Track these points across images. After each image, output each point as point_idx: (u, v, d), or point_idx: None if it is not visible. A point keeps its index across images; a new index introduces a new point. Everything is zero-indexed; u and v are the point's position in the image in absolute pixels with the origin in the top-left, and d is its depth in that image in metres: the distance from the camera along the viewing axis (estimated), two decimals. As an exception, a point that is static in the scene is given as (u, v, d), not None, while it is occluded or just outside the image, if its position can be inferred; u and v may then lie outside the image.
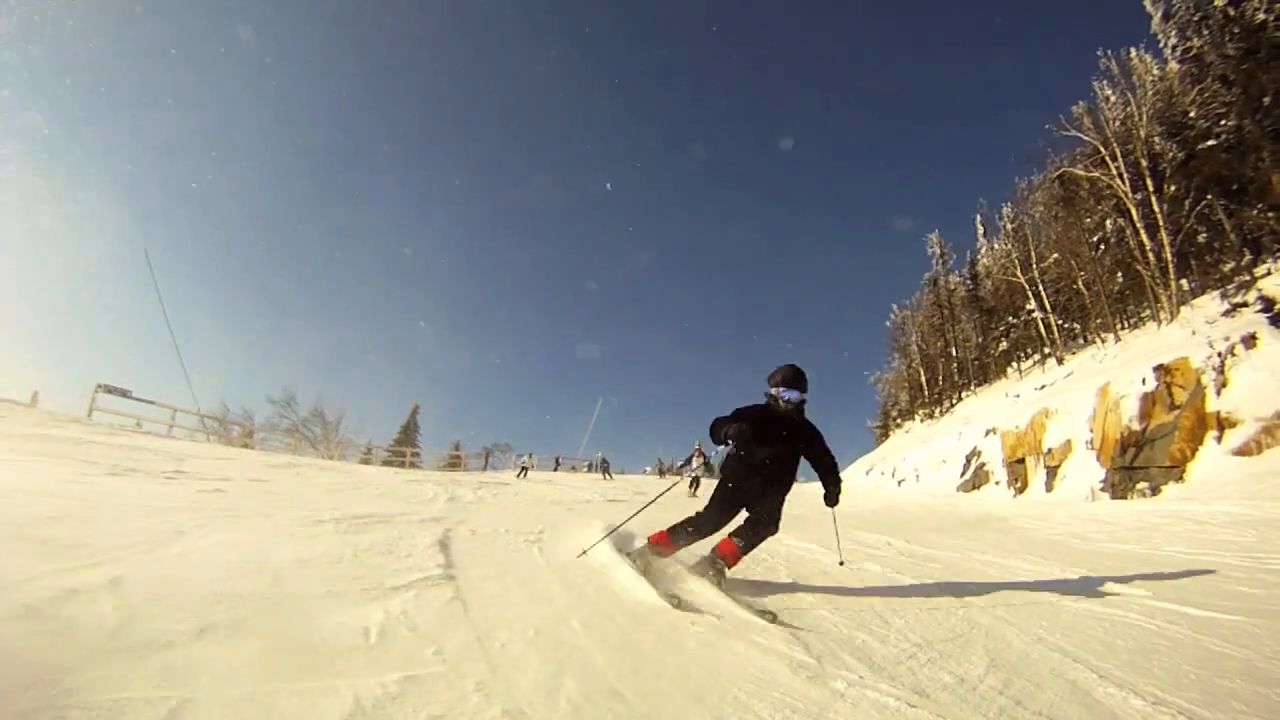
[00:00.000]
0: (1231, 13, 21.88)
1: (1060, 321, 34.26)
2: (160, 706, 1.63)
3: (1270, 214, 21.15)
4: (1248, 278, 20.01)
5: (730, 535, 3.78)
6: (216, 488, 5.57)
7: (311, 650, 2.15)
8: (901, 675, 2.43)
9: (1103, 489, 16.72)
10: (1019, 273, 36.38)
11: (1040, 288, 34.62)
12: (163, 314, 20.28)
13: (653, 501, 4.74)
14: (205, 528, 3.81)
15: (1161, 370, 16.55)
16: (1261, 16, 20.49)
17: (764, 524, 3.76)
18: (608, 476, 23.62)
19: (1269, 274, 19.09)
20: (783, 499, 3.85)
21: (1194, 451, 14.70)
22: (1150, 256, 25.79)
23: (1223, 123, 23.13)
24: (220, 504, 4.77)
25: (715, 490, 3.87)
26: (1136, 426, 16.38)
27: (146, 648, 1.98)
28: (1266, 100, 19.86)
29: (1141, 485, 15.48)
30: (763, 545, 3.92)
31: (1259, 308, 16.83)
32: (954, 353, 44.67)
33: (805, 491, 6.00)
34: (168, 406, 18.89)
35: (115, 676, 1.77)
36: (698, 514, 3.83)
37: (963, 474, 24.78)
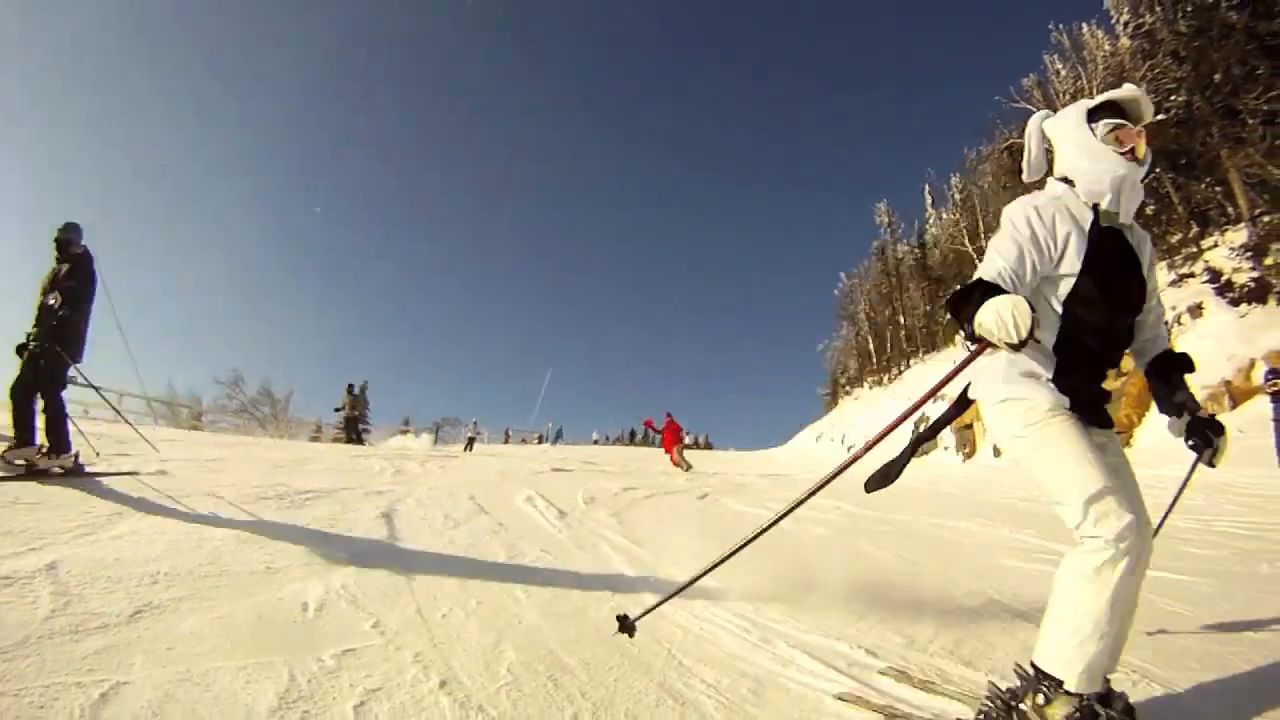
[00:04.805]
0: (1184, -10, 22.24)
1: (1010, 291, 35.02)
2: (92, 690, 1.63)
3: (1217, 188, 21.75)
4: (1195, 249, 20.50)
5: None
6: (160, 469, 5.43)
7: (249, 627, 2.16)
8: (852, 636, 2.44)
9: (1050, 453, 17.31)
10: (967, 242, 36.99)
11: (989, 257, 35.33)
12: (106, 295, 19.17)
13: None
14: (145, 508, 3.75)
15: (1108, 337, 17.08)
16: (1214, -5, 20.88)
17: None
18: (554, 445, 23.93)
19: (1216, 246, 19.58)
20: None
21: (1140, 417, 15.14)
22: (1097, 228, 26.48)
23: (1173, 98, 23.54)
24: (162, 485, 4.67)
25: None
26: (1082, 393, 16.92)
27: (80, 631, 1.98)
28: (1217, 77, 20.25)
29: (1090, 451, 16.06)
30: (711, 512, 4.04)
31: (1205, 278, 17.52)
32: (902, 320, 45.27)
33: (742, 458, 6.03)
34: (113, 391, 18.22)
35: (48, 662, 1.76)
36: None
37: (913, 440, 25.45)
